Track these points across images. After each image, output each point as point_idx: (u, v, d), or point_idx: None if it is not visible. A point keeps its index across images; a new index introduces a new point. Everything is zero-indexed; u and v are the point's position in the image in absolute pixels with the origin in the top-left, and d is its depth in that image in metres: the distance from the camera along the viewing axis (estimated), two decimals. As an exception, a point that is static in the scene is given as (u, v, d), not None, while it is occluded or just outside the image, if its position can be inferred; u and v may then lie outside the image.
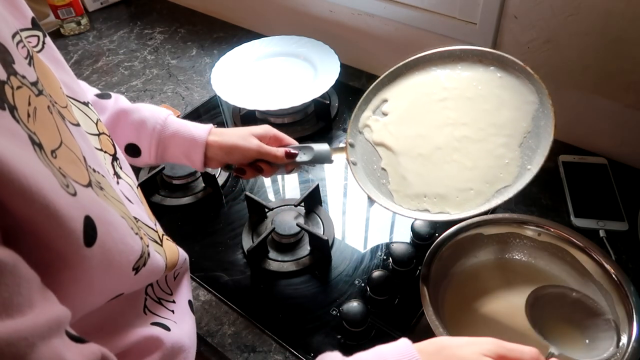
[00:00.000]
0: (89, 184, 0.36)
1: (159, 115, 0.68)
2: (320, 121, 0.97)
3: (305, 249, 0.74)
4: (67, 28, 1.26)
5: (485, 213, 0.62)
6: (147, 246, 0.42)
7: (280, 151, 0.71)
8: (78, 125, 0.42)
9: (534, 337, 0.58)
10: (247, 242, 0.75)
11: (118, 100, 0.68)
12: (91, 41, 1.26)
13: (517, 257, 0.68)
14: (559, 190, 0.80)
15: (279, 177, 0.89)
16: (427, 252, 0.64)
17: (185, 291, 0.57)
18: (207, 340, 0.66)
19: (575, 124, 0.86)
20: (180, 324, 0.51)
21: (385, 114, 0.73)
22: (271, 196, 0.86)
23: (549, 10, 0.77)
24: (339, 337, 0.64)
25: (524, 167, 0.62)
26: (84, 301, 0.36)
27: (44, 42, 0.44)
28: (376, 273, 0.68)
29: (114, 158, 0.50)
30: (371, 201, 0.82)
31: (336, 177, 0.87)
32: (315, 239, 0.73)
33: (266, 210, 0.78)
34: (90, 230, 0.32)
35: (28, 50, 0.37)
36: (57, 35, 1.27)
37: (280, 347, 0.64)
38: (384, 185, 0.69)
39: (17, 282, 0.26)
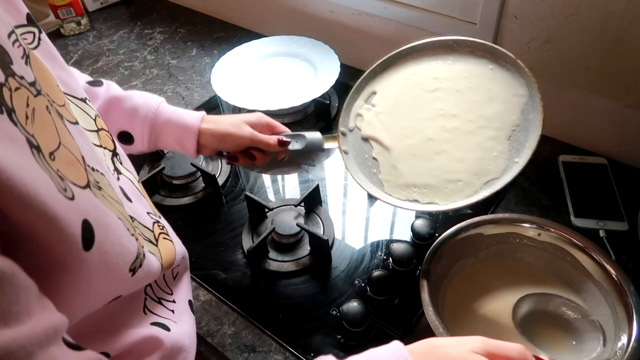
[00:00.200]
0: (87, 185, 0.36)
1: (151, 102, 0.68)
2: (320, 121, 0.97)
3: (305, 249, 0.74)
4: (67, 28, 1.26)
5: (473, 205, 0.63)
6: (142, 247, 0.42)
7: (272, 139, 0.71)
8: (76, 123, 0.41)
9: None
10: (247, 242, 0.75)
11: (110, 88, 0.67)
12: (91, 41, 1.26)
13: (517, 257, 0.68)
14: (559, 190, 0.80)
15: (279, 177, 0.89)
16: (427, 252, 0.64)
17: (185, 291, 0.57)
18: (207, 340, 0.66)
19: (575, 124, 0.86)
20: (180, 324, 0.51)
21: (376, 104, 0.73)
22: (271, 196, 0.86)
23: (549, 10, 0.77)
24: (339, 337, 0.64)
25: (511, 160, 0.63)
26: (82, 305, 0.36)
27: (39, 39, 0.43)
28: (376, 273, 0.68)
29: (114, 154, 0.50)
30: (372, 200, 0.82)
31: (336, 177, 0.87)
32: (315, 239, 0.73)
33: (266, 210, 0.78)
34: (88, 233, 0.32)
35: (24, 49, 0.36)
36: (57, 35, 1.27)
37: (280, 347, 0.64)
38: (374, 174, 0.69)
39: (15, 291, 0.26)
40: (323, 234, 0.75)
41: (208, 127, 0.69)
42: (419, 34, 0.94)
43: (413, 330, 0.65)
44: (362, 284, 0.70)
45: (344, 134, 0.73)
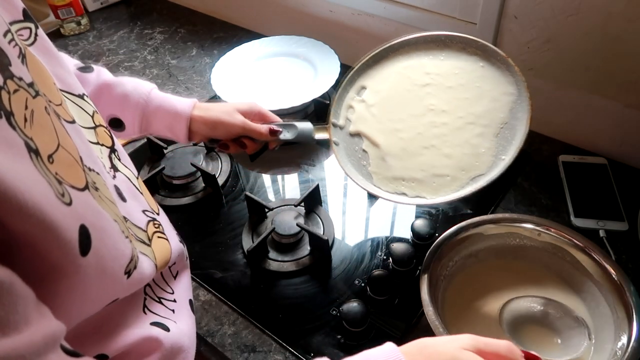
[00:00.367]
0: (86, 187, 0.35)
1: (142, 88, 0.68)
2: (320, 121, 0.97)
3: (305, 249, 0.74)
4: (67, 28, 1.26)
5: (460, 199, 0.64)
6: (135, 249, 0.42)
7: (264, 128, 0.72)
8: (73, 122, 0.41)
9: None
10: (247, 242, 0.75)
11: (101, 74, 0.67)
12: (91, 41, 1.26)
13: (517, 257, 0.68)
14: (559, 190, 0.80)
15: (279, 177, 0.89)
16: (427, 252, 0.64)
17: (186, 290, 0.57)
18: (207, 340, 0.66)
19: (575, 124, 0.86)
20: (180, 324, 0.51)
21: (368, 96, 0.74)
22: (271, 196, 0.86)
23: (549, 10, 0.77)
24: (339, 337, 0.64)
25: (498, 157, 0.65)
26: (79, 310, 0.36)
27: (36, 34, 0.43)
28: (376, 273, 0.68)
29: (112, 150, 0.49)
30: (372, 200, 0.82)
31: (336, 177, 0.87)
32: (315, 239, 0.73)
33: (266, 210, 0.78)
34: (85, 239, 0.32)
35: (20, 48, 0.36)
36: (57, 35, 1.27)
37: (280, 347, 0.64)
38: (364, 166, 0.70)
39: (13, 300, 0.26)
40: (323, 234, 0.75)
41: (200, 114, 0.69)
42: (419, 34, 0.94)
43: (413, 330, 0.65)
44: (362, 284, 0.70)
45: (334, 125, 0.74)
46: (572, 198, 0.78)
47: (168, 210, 0.83)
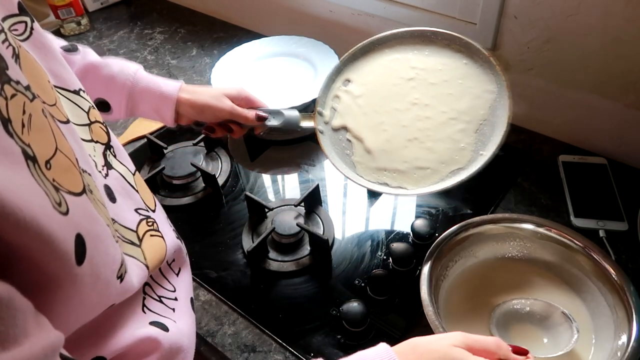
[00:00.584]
0: (83, 191, 0.35)
1: (129, 70, 0.68)
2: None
3: (305, 249, 0.74)
4: (67, 28, 1.26)
5: (439, 192, 0.67)
6: (121, 252, 0.41)
7: (251, 113, 0.72)
8: (67, 122, 0.40)
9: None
10: (247, 242, 0.75)
11: (86, 54, 0.66)
12: (91, 41, 1.26)
13: (516, 257, 0.68)
14: (558, 190, 0.80)
15: (279, 177, 0.89)
16: (427, 252, 0.64)
17: (187, 287, 0.56)
18: (207, 340, 0.66)
19: (575, 124, 0.86)
20: (179, 323, 0.51)
21: (354, 87, 0.76)
22: (271, 196, 0.86)
23: (549, 10, 0.77)
24: (339, 337, 0.64)
25: (477, 153, 0.67)
26: (76, 318, 0.35)
27: (32, 28, 0.42)
28: (376, 273, 0.68)
29: (107, 147, 0.49)
30: (372, 200, 0.82)
31: (336, 177, 0.87)
32: (315, 239, 0.73)
33: (266, 210, 0.78)
34: (80, 248, 0.32)
35: (13, 48, 0.35)
36: (57, 35, 1.25)
37: (280, 347, 0.64)
38: (348, 156, 0.72)
39: (12, 314, 0.26)
40: (323, 234, 0.75)
41: (187, 97, 0.70)
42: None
43: (413, 330, 0.65)
44: (362, 284, 0.69)
45: (320, 114, 0.75)
46: (572, 198, 0.78)
47: (168, 210, 0.82)
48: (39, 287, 0.30)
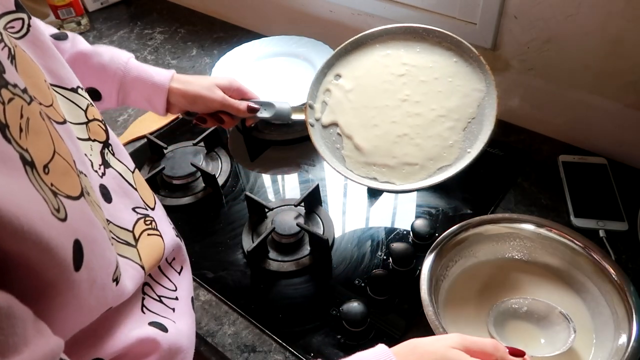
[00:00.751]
0: (81, 194, 0.35)
1: (119, 59, 0.68)
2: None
3: (305, 249, 0.74)
4: (67, 28, 1.26)
5: (427, 188, 0.68)
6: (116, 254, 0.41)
7: (242, 105, 0.72)
8: (64, 122, 0.40)
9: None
10: (247, 242, 0.75)
11: (75, 43, 0.65)
12: (91, 41, 1.26)
13: (516, 256, 0.68)
14: (558, 190, 0.80)
15: (279, 177, 0.89)
16: (427, 252, 0.65)
17: (188, 286, 0.56)
18: (207, 340, 0.66)
19: (575, 124, 0.86)
20: (179, 323, 0.50)
21: (345, 81, 0.76)
22: (271, 196, 0.86)
23: (549, 10, 0.77)
24: (339, 337, 0.64)
25: (464, 150, 0.68)
26: (74, 323, 0.35)
27: (29, 25, 0.41)
28: (376, 273, 0.68)
29: (105, 145, 0.48)
30: (372, 200, 0.82)
31: (336, 177, 0.87)
32: (315, 239, 0.73)
33: (266, 210, 0.78)
34: (78, 253, 0.32)
35: (9, 48, 0.34)
36: (57, 35, 1.27)
37: (280, 347, 0.64)
38: (337, 150, 0.73)
39: (12, 323, 0.26)
40: (323, 234, 0.75)
41: (178, 87, 0.70)
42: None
43: (413, 330, 0.65)
44: (362, 284, 0.69)
45: (311, 107, 0.76)
46: (572, 198, 0.78)
47: (168, 210, 0.82)
48: (37, 294, 0.30)
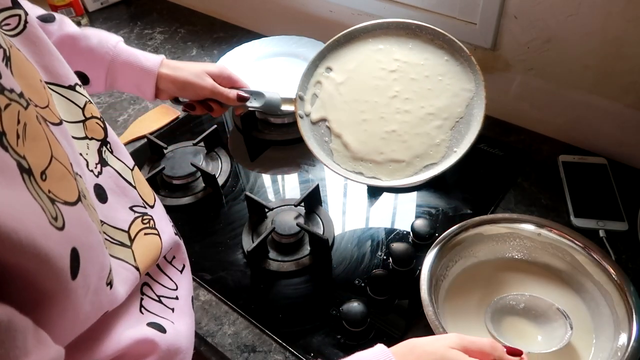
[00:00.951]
0: (78, 199, 0.34)
1: (108, 43, 0.67)
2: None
3: (305, 249, 0.74)
4: (67, 28, 1.26)
5: (412, 185, 0.70)
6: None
7: (232, 93, 0.72)
8: (60, 123, 0.39)
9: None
10: (247, 242, 0.75)
11: (63, 25, 0.65)
12: (91, 41, 1.26)
13: (516, 257, 0.68)
14: (558, 190, 0.80)
15: (279, 177, 0.89)
16: (427, 252, 0.64)
17: (189, 285, 0.55)
18: (207, 340, 0.66)
19: (575, 124, 0.86)
20: (178, 324, 0.50)
21: (336, 74, 0.76)
22: (271, 196, 0.86)
23: (549, 10, 0.77)
24: (339, 337, 0.64)
25: (451, 149, 0.69)
26: (71, 331, 0.35)
27: (25, 21, 0.40)
28: (376, 273, 0.68)
29: (103, 143, 0.47)
30: (372, 200, 0.82)
31: (336, 177, 0.87)
32: (315, 239, 0.73)
33: (266, 210, 0.78)
34: (74, 262, 0.32)
35: (4, 50, 0.33)
36: (57, 35, 1.27)
37: (280, 347, 0.64)
38: (326, 143, 0.74)
39: (12, 335, 0.26)
40: (323, 234, 0.75)
41: (168, 73, 0.69)
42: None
43: (413, 330, 0.65)
44: (362, 284, 0.69)
45: (301, 99, 0.76)
46: (572, 198, 0.78)
47: (168, 210, 0.82)
48: (34, 304, 0.29)
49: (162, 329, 0.47)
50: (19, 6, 0.40)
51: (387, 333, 0.64)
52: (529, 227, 0.66)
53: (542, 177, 0.83)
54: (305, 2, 1.09)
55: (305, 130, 0.74)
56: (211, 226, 0.80)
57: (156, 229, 0.51)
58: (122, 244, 0.45)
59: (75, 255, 0.32)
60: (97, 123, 0.47)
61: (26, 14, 0.40)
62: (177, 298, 0.52)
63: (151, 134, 0.94)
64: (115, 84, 0.69)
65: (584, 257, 0.63)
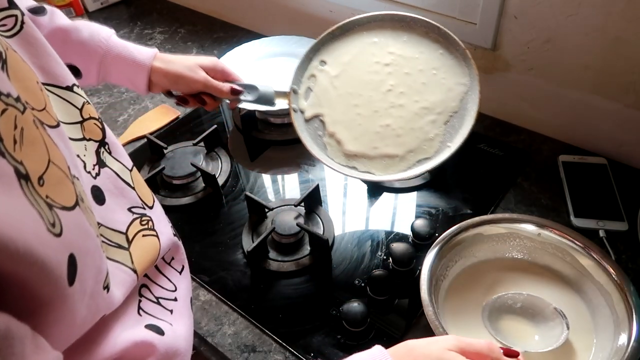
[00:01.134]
0: (76, 203, 0.34)
1: (100, 36, 0.66)
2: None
3: (305, 249, 0.74)
4: (67, 28, 1.26)
5: (405, 179, 0.69)
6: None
7: (225, 86, 0.72)
8: (57, 125, 0.38)
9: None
10: (247, 242, 0.75)
11: (54, 17, 0.64)
12: (91, 41, 1.26)
13: (516, 256, 0.68)
14: (558, 190, 0.80)
15: (279, 177, 0.89)
16: (427, 252, 0.64)
17: (188, 287, 0.55)
18: (207, 340, 0.66)
19: (575, 124, 0.86)
20: (176, 326, 0.49)
21: (331, 67, 0.76)
22: (271, 196, 0.86)
23: (549, 10, 0.77)
24: (339, 337, 0.64)
25: (444, 144, 0.69)
26: (68, 336, 0.35)
27: (22, 22, 0.39)
28: (376, 273, 0.68)
29: (102, 144, 0.47)
30: (372, 200, 0.82)
31: (336, 177, 0.87)
32: (315, 239, 0.73)
33: (266, 210, 0.78)
34: (72, 268, 0.31)
35: (1, 53, 0.33)
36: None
37: (280, 347, 0.64)
38: (319, 137, 0.73)
39: (9, 344, 0.26)
40: (323, 234, 0.75)
41: (160, 66, 0.69)
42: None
43: (413, 330, 0.65)
44: (362, 284, 0.69)
45: (295, 92, 0.76)
46: (572, 198, 0.78)
47: (168, 210, 0.83)
48: (31, 311, 0.29)
49: (160, 331, 0.46)
50: (15, 6, 0.39)
51: (387, 333, 0.64)
52: (529, 227, 0.66)
53: (542, 177, 0.83)
54: (305, 2, 1.09)
55: (299, 124, 0.74)
56: (211, 226, 0.80)
57: (155, 230, 0.50)
58: (120, 246, 0.44)
59: (72, 261, 0.31)
60: (95, 124, 0.47)
61: (22, 14, 0.40)
62: (175, 299, 0.52)
63: (151, 134, 0.94)
64: (108, 77, 0.68)
65: (584, 257, 0.63)
